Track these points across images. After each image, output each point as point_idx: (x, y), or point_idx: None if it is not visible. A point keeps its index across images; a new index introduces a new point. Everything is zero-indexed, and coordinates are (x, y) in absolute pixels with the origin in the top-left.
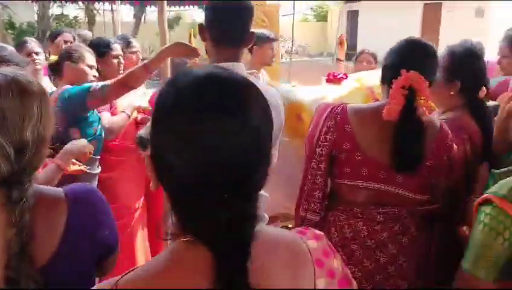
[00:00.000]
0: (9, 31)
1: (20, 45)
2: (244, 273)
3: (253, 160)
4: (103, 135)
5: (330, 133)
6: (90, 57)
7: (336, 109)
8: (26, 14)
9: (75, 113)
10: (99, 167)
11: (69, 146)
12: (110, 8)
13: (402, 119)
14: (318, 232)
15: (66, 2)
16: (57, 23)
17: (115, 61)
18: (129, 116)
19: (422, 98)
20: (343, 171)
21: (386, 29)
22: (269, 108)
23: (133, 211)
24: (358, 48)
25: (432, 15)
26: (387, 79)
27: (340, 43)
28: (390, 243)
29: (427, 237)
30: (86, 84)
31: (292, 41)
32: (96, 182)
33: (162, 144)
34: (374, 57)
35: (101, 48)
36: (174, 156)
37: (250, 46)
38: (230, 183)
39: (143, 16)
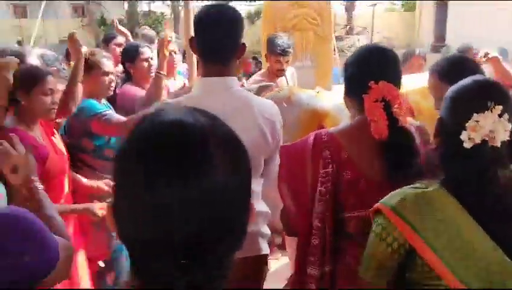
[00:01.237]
0: (102, 28)
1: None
2: None
3: (215, 226)
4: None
5: (330, 165)
6: (106, 63)
7: (322, 137)
8: (116, 11)
9: (84, 127)
10: None
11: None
12: (195, 5)
13: (390, 135)
14: None
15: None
16: (144, 20)
17: (145, 64)
18: None
19: (396, 106)
20: (348, 204)
21: (477, 19)
22: (245, 163)
23: None
24: (448, 40)
25: None
26: (353, 92)
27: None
28: None
29: None
30: (99, 106)
31: (372, 33)
32: None
33: (119, 200)
34: (425, 59)
35: (130, 53)
36: (128, 214)
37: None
38: (187, 250)
39: None
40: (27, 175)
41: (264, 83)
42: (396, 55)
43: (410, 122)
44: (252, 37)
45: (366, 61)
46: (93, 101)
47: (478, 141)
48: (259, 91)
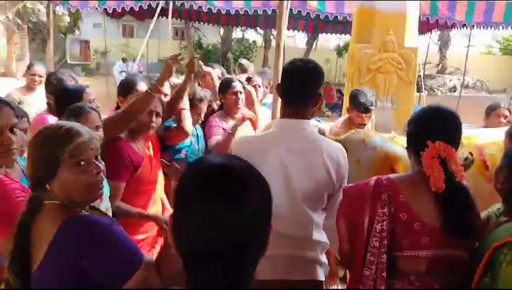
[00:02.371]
0: (198, 51)
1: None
2: None
3: (248, 239)
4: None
5: (387, 206)
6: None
7: (382, 181)
8: (212, 37)
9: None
10: None
11: None
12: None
13: (448, 188)
14: None
15: (247, 28)
16: (237, 46)
17: (233, 97)
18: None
19: (452, 164)
20: (402, 243)
21: None
22: (268, 195)
23: None
24: None
25: None
26: (412, 149)
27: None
28: None
29: None
30: None
31: (464, 75)
32: None
33: (176, 215)
34: (510, 110)
35: (223, 85)
36: (180, 227)
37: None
38: (224, 257)
39: (315, 42)
40: None
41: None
42: (456, 116)
43: None
44: (338, 70)
45: (427, 120)
46: None
47: None
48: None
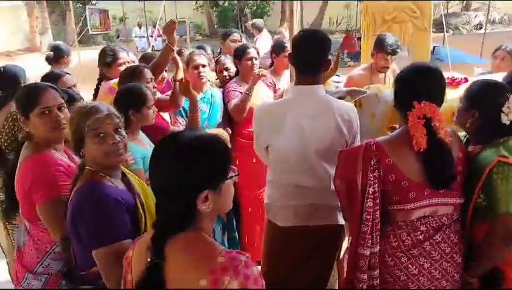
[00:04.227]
0: (214, 9)
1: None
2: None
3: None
4: None
5: (377, 170)
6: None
7: (371, 146)
8: None
9: None
10: None
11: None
12: None
13: (430, 146)
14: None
15: None
16: (253, 0)
17: (249, 63)
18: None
19: (435, 122)
20: (392, 199)
21: None
22: (189, 160)
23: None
24: None
25: None
26: (400, 108)
27: None
28: (433, 251)
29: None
30: None
31: (488, 10)
32: None
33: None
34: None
35: (239, 52)
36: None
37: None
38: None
39: None
40: None
41: (356, 89)
42: (441, 74)
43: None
44: (359, 15)
45: (412, 81)
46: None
47: None
48: (353, 94)
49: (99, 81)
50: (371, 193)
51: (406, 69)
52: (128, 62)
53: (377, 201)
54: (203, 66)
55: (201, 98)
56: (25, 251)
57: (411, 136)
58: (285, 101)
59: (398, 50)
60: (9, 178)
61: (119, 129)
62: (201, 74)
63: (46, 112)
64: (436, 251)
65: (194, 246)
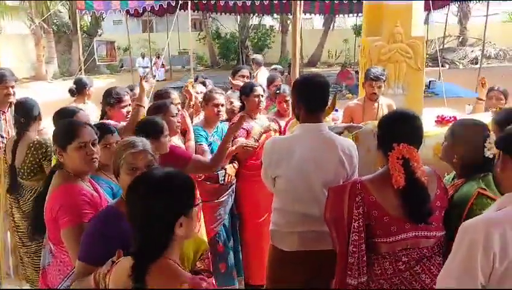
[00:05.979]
0: (216, 41)
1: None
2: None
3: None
4: None
5: (361, 207)
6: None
7: (356, 185)
8: (229, 25)
9: None
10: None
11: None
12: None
13: (408, 184)
14: None
15: (263, 14)
16: (254, 33)
17: (256, 99)
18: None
19: (413, 163)
20: (376, 233)
21: None
22: (170, 194)
23: (259, 221)
24: None
25: None
26: (382, 149)
27: (482, 84)
28: (414, 281)
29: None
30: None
31: (483, 45)
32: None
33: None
34: (505, 94)
35: (246, 89)
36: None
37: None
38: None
39: (332, 24)
40: None
41: (353, 124)
42: (419, 121)
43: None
44: (357, 49)
45: (392, 125)
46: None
47: None
48: (350, 129)
49: (101, 118)
50: (356, 227)
51: (387, 114)
52: (130, 105)
53: (362, 235)
54: (222, 105)
55: (214, 132)
56: (48, 271)
57: (391, 175)
58: (293, 137)
59: (382, 77)
60: (38, 201)
61: (151, 166)
62: (220, 112)
63: (83, 146)
64: (417, 282)
65: (163, 273)
